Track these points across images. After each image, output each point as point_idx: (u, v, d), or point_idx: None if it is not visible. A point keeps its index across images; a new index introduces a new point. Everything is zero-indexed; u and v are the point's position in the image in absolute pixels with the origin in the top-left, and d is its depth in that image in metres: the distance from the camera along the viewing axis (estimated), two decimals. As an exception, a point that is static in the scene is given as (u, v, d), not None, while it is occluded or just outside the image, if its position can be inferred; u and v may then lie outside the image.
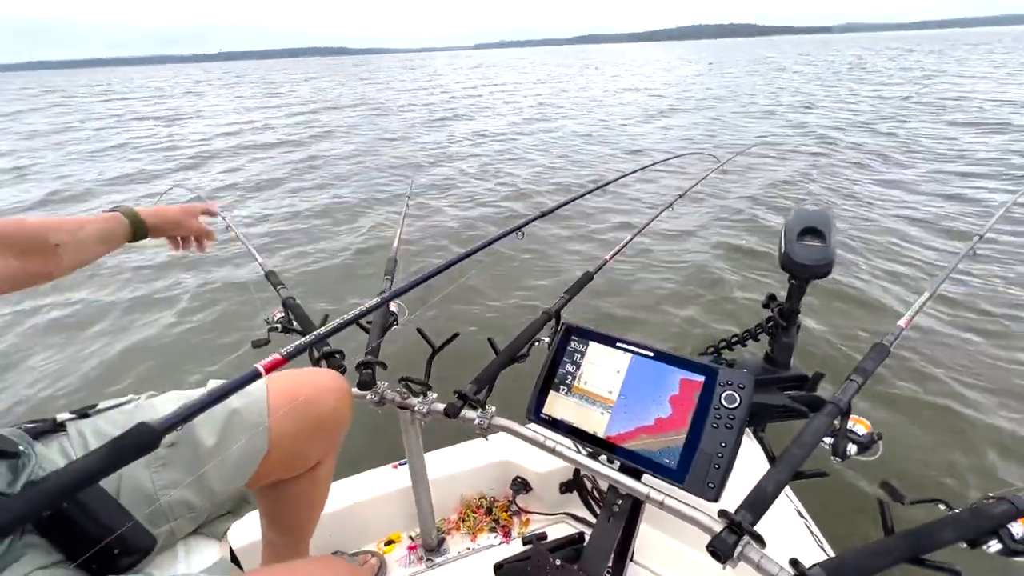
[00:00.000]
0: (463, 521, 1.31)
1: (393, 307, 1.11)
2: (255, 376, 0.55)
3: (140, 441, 0.47)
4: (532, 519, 1.32)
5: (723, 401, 0.74)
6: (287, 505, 0.89)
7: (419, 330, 0.97)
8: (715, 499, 0.69)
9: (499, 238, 1.09)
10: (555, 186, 6.43)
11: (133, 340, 3.37)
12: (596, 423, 0.81)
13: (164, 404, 0.73)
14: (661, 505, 0.70)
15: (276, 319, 1.16)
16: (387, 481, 1.30)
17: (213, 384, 0.75)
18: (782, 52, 51.06)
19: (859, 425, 0.77)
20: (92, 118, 16.08)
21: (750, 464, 0.72)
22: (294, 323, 1.13)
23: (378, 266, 4.39)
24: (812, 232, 1.15)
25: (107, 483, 0.63)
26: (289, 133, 11.30)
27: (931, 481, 2.03)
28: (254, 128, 12.72)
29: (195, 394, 0.74)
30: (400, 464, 1.33)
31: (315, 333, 0.66)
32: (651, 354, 0.82)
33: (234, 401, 0.55)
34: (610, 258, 1.22)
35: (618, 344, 0.85)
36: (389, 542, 1.29)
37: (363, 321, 1.03)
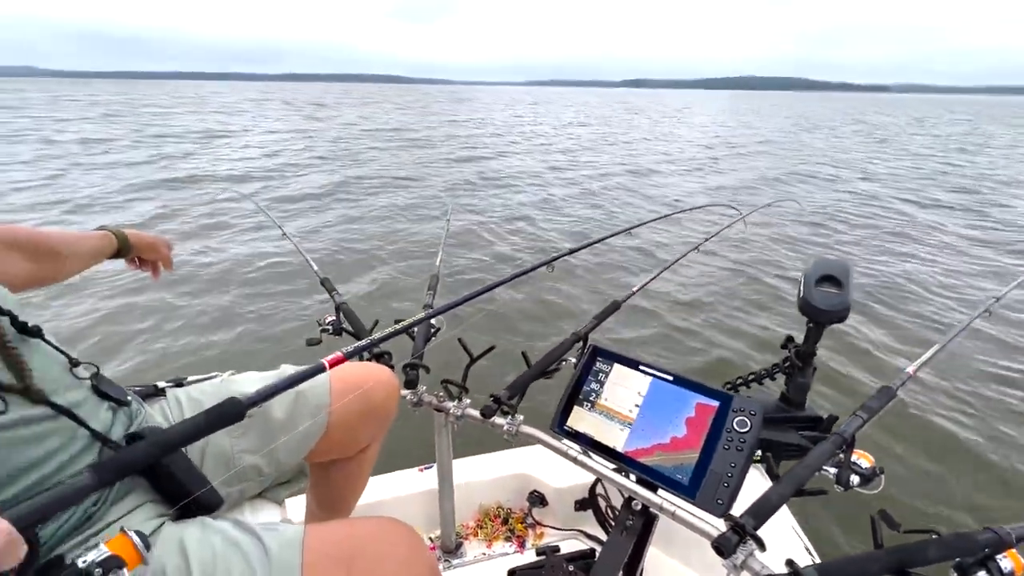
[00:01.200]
0: (480, 528, 1.38)
1: (434, 319, 1.22)
2: (320, 369, 0.66)
3: (230, 411, 0.58)
4: (546, 532, 1.38)
5: (735, 425, 0.80)
6: (336, 482, 0.99)
7: (460, 340, 1.06)
8: (723, 515, 0.74)
9: (532, 270, 1.20)
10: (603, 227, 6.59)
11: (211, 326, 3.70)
12: (616, 438, 0.88)
13: (245, 381, 0.85)
14: (673, 516, 0.77)
15: (327, 321, 1.28)
16: (412, 483, 1.38)
17: (286, 367, 0.86)
18: (857, 109, 49.59)
19: (863, 459, 0.82)
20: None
21: (753, 489, 0.78)
22: (345, 325, 1.25)
23: (420, 278, 4.47)
24: (830, 279, 1.22)
25: (197, 444, 0.74)
26: (349, 161, 11.48)
27: (927, 519, 2.06)
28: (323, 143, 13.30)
29: (271, 375, 0.86)
30: (426, 468, 1.41)
31: (371, 337, 0.77)
32: (671, 378, 0.89)
33: (303, 383, 0.66)
34: (637, 290, 1.30)
35: (640, 367, 0.92)
36: None
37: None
